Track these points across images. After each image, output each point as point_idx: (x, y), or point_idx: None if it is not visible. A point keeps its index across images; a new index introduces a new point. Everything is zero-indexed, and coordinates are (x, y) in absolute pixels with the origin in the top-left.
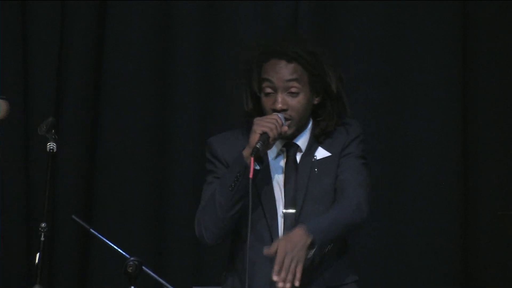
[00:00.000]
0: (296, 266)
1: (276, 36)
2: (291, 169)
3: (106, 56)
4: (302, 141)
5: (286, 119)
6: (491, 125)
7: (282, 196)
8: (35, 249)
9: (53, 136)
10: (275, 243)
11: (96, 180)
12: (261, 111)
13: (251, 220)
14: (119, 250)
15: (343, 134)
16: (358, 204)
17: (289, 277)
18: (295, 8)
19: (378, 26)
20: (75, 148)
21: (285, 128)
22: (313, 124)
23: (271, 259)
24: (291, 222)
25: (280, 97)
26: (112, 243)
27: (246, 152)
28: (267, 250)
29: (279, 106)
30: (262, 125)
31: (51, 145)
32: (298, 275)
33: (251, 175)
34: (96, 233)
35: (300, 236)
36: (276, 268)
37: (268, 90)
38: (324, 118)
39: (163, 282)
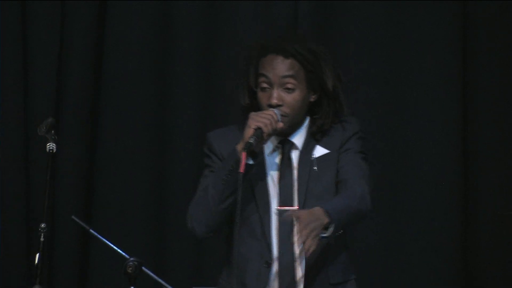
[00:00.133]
0: (313, 238)
1: (276, 35)
2: (285, 166)
3: (106, 56)
4: (298, 139)
5: (281, 115)
6: (491, 125)
7: (276, 193)
8: (35, 249)
9: (53, 137)
10: (294, 214)
11: (96, 180)
12: (258, 106)
13: (244, 215)
14: (119, 250)
15: (340, 131)
16: (363, 194)
17: (308, 241)
18: (295, 8)
19: (378, 26)
20: (75, 148)
21: (280, 124)
22: (309, 122)
23: (263, 255)
24: (286, 220)
25: (275, 92)
26: (112, 243)
27: (239, 147)
28: (283, 218)
29: (274, 101)
30: (256, 120)
31: (51, 145)
32: (314, 246)
33: (242, 170)
34: (96, 234)
35: (320, 214)
36: (299, 227)
37: (264, 85)
38: (320, 116)
39: (163, 282)
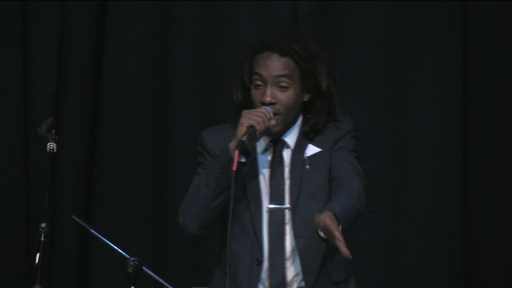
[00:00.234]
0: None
1: (275, 35)
2: (277, 164)
3: (106, 56)
4: (290, 138)
5: (274, 114)
6: (491, 125)
7: (267, 191)
8: (35, 249)
9: (53, 136)
10: (321, 216)
11: (96, 180)
12: (250, 103)
13: (236, 213)
14: (119, 250)
15: (333, 130)
16: (359, 193)
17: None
18: (295, 8)
19: (378, 26)
20: (75, 148)
21: (273, 122)
22: (302, 121)
23: (254, 252)
24: (278, 218)
25: (269, 90)
26: (112, 243)
27: (231, 144)
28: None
29: (267, 99)
30: (249, 118)
31: (51, 145)
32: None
33: (234, 168)
34: (96, 233)
35: (333, 216)
36: (335, 230)
37: (258, 82)
38: (314, 115)
39: (163, 282)
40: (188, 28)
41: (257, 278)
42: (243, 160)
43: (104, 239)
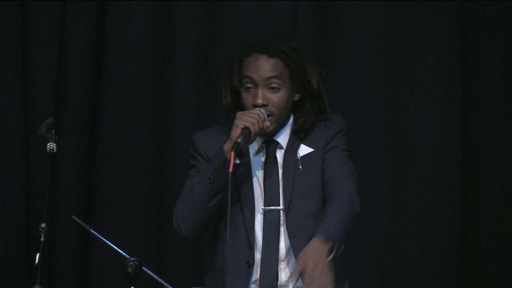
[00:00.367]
0: (325, 276)
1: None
2: (271, 165)
3: (106, 56)
4: (283, 138)
5: (267, 115)
6: (491, 125)
7: (262, 193)
8: (35, 249)
9: (53, 136)
10: (299, 260)
11: (96, 180)
12: (240, 106)
13: (230, 215)
14: (119, 250)
15: (323, 129)
16: (351, 197)
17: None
18: (295, 8)
19: (378, 26)
20: (75, 148)
21: (267, 123)
22: (293, 121)
23: (244, 254)
24: (273, 219)
25: (260, 92)
26: (112, 243)
27: (227, 146)
28: (296, 271)
29: (259, 101)
30: (244, 120)
31: (51, 145)
32: (329, 283)
33: (231, 169)
34: (96, 234)
35: (321, 245)
36: (307, 280)
37: (249, 85)
38: (303, 114)
39: (163, 282)
40: (188, 28)
41: (246, 281)
42: (237, 161)
43: (104, 239)
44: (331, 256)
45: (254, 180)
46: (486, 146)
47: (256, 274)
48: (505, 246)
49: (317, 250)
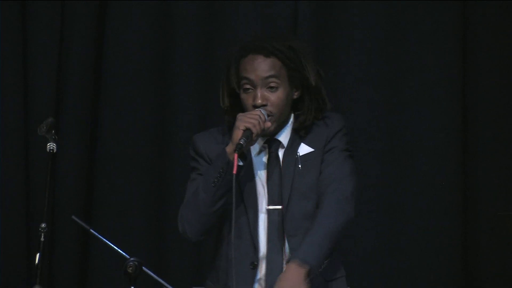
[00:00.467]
0: None
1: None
2: (273, 165)
3: (106, 56)
4: (284, 137)
5: (267, 115)
6: (491, 125)
7: (265, 193)
8: (35, 249)
9: (53, 137)
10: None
11: (96, 180)
12: (238, 108)
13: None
14: (119, 250)
15: (323, 128)
16: (339, 205)
17: None
18: (295, 8)
19: (378, 26)
20: (75, 148)
21: (268, 123)
22: (293, 119)
23: (248, 256)
24: (275, 218)
25: (259, 92)
26: (112, 244)
27: (229, 149)
28: None
29: (258, 101)
30: (245, 121)
31: (51, 145)
32: None
33: (234, 171)
34: (96, 234)
35: (296, 272)
36: None
37: (247, 86)
38: (302, 112)
39: (163, 282)
40: (188, 28)
41: (251, 282)
42: (240, 163)
43: (104, 239)
44: (309, 278)
45: (257, 180)
46: (486, 146)
47: (260, 273)
48: (505, 246)
49: (293, 277)
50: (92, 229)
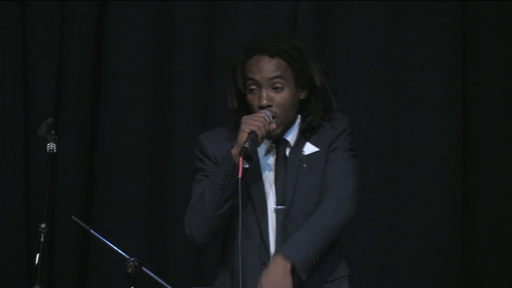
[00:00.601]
0: None
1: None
2: (281, 165)
3: (106, 56)
4: (291, 137)
5: (273, 116)
6: (491, 125)
7: (273, 192)
8: (35, 249)
9: (53, 137)
10: (259, 284)
11: (96, 180)
12: (246, 108)
13: (241, 217)
14: (119, 250)
15: (329, 129)
16: (340, 203)
17: None
18: (295, 8)
19: (378, 26)
20: (75, 148)
21: (273, 125)
22: (300, 120)
23: (261, 256)
24: (282, 218)
25: (264, 93)
26: (112, 244)
27: (234, 151)
28: None
29: (264, 102)
30: (250, 124)
31: (51, 145)
32: None
33: (240, 175)
34: (96, 234)
35: (279, 266)
36: None
37: (253, 87)
38: (309, 112)
39: (163, 282)
40: (188, 28)
41: None
42: (246, 166)
43: (104, 240)
44: (298, 272)
45: (265, 180)
46: (486, 146)
47: None
48: (505, 246)
49: (275, 271)
50: (92, 229)
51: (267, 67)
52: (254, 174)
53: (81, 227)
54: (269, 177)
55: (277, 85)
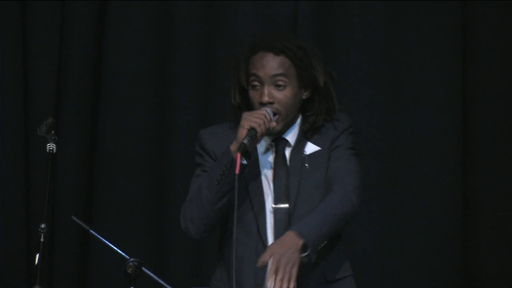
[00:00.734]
0: (291, 268)
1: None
2: (280, 164)
3: (106, 56)
4: (291, 136)
5: (274, 114)
6: (491, 125)
7: (271, 191)
8: (35, 249)
9: (53, 137)
10: (268, 249)
11: (96, 180)
12: (248, 105)
13: (239, 214)
14: (119, 250)
15: (331, 129)
16: (346, 194)
17: (286, 277)
18: (295, 8)
19: (378, 26)
20: (75, 148)
21: (274, 123)
22: (302, 120)
23: (259, 253)
24: (282, 217)
25: (266, 89)
26: (112, 244)
27: (233, 147)
28: (261, 260)
29: (265, 99)
30: (250, 120)
31: (51, 145)
32: (294, 276)
33: (237, 171)
34: (96, 234)
35: (292, 239)
36: (272, 269)
37: (255, 83)
38: (312, 113)
39: (163, 282)
40: (188, 28)
41: (262, 279)
42: (244, 162)
43: (104, 240)
44: (306, 253)
45: (263, 178)
46: (486, 146)
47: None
48: (505, 246)
49: (287, 242)
50: (92, 229)
51: (271, 64)
52: (253, 171)
53: (81, 227)
54: (267, 175)
55: (280, 82)
